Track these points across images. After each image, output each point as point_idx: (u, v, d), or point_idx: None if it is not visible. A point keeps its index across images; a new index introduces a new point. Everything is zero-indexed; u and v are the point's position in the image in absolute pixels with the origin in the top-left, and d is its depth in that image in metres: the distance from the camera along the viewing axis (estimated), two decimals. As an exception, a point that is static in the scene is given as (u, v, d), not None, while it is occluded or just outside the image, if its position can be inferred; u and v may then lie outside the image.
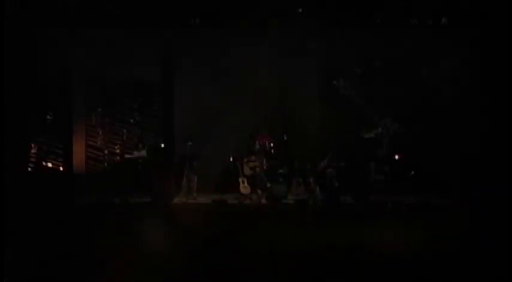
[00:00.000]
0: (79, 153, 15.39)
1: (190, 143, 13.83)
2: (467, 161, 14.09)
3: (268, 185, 13.28)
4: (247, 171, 13.58)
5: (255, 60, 14.85)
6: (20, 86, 14.23)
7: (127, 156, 14.75)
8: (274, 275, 6.16)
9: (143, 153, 14.20)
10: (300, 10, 14.15)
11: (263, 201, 12.97)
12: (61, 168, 15.18)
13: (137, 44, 14.75)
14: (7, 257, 6.63)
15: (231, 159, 14.00)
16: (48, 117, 15.53)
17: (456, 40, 14.91)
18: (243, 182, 13.31)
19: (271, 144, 14.07)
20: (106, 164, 15.58)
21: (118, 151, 15.68)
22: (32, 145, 15.34)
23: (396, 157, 13.90)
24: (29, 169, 15.16)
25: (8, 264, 6.38)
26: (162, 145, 14.76)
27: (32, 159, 15.35)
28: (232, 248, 7.18)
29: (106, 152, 15.73)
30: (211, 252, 6.97)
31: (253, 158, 13.76)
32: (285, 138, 13.89)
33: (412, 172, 13.44)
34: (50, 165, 15.45)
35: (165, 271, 6.33)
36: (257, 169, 13.58)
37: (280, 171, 13.64)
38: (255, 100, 14.68)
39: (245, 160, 13.78)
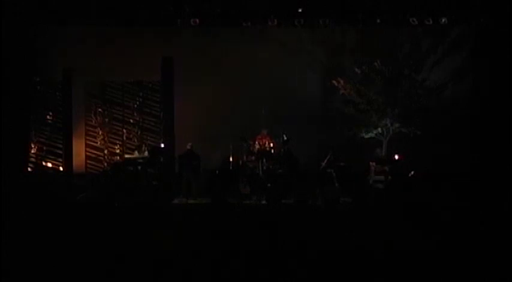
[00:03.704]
0: (79, 153, 15.40)
1: (190, 143, 13.83)
2: (468, 160, 14.12)
3: (268, 185, 13.27)
4: (247, 170, 13.57)
5: (255, 60, 14.87)
6: (19, 85, 14.25)
7: (127, 156, 14.74)
8: (274, 275, 6.16)
9: (145, 154, 14.19)
10: (300, 10, 14.14)
11: (263, 201, 12.96)
12: (61, 168, 15.19)
13: (137, 43, 14.78)
14: (7, 257, 6.63)
15: (231, 159, 13.99)
16: (48, 117, 15.55)
17: (456, 39, 14.97)
18: (243, 182, 13.30)
19: (271, 144, 14.05)
20: (106, 164, 15.59)
21: (118, 151, 15.70)
22: (32, 145, 15.37)
23: (396, 157, 13.88)
24: (29, 169, 15.18)
25: (8, 264, 6.38)
26: (162, 145, 14.75)
27: (32, 159, 15.37)
28: (232, 248, 7.18)
29: (106, 152, 15.74)
30: (211, 252, 6.97)
31: (253, 158, 13.76)
32: (285, 138, 13.85)
33: (412, 172, 13.42)
34: (50, 165, 15.48)
35: (164, 271, 6.33)
36: (257, 169, 13.58)
37: (280, 171, 13.62)
38: (255, 100, 14.68)
39: (245, 160, 13.78)
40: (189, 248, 7.25)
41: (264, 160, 13.72)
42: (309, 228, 8.85)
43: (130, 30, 14.64)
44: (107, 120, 15.70)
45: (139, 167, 13.80)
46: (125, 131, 15.73)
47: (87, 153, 15.67)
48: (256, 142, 13.98)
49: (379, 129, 14.53)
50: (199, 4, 14.00)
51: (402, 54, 14.79)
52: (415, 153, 13.76)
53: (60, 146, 15.22)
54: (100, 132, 15.70)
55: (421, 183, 12.93)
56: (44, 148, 15.49)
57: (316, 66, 15.29)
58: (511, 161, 13.10)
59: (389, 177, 13.35)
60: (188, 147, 13.63)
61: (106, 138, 15.72)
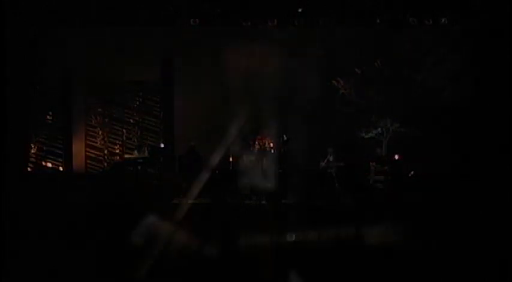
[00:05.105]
0: (79, 153, 15.42)
1: (192, 143, 13.83)
2: (467, 160, 14.12)
3: (268, 184, 13.27)
4: (247, 171, 13.57)
5: (255, 60, 14.86)
6: (20, 86, 14.27)
7: (127, 156, 14.75)
8: (274, 275, 6.16)
9: (145, 154, 14.20)
10: (300, 10, 14.14)
11: (263, 201, 12.96)
12: (61, 168, 15.20)
13: (137, 43, 14.79)
14: (7, 258, 6.63)
15: (231, 159, 14.00)
16: (48, 117, 15.56)
17: (456, 39, 14.96)
18: (243, 181, 13.30)
19: (271, 144, 14.06)
20: (106, 164, 15.60)
21: (118, 151, 15.71)
22: (32, 145, 15.37)
23: (396, 157, 13.89)
24: (29, 169, 15.19)
25: (8, 264, 6.38)
26: (162, 145, 14.76)
27: (32, 159, 15.38)
28: (232, 248, 7.19)
29: (106, 152, 15.75)
30: (211, 252, 6.97)
31: (253, 157, 13.76)
32: (285, 138, 13.86)
33: (412, 172, 13.43)
34: (50, 165, 15.48)
35: (163, 271, 6.33)
36: (257, 169, 13.58)
37: (280, 171, 13.63)
38: (255, 100, 14.68)
39: (245, 160, 13.78)
40: (188, 248, 7.24)
41: (264, 160, 13.73)
42: (309, 228, 8.84)
43: (131, 30, 14.65)
44: (106, 120, 15.72)
45: (139, 167, 13.82)
46: (124, 131, 15.75)
47: (87, 153, 15.68)
48: (256, 142, 13.99)
49: (379, 129, 14.54)
50: (199, 4, 14.01)
51: (402, 54, 14.79)
52: (415, 153, 13.76)
53: (60, 146, 15.24)
54: (100, 132, 15.71)
55: (421, 183, 12.94)
56: (44, 148, 15.51)
57: (316, 66, 15.27)
58: (511, 161, 13.09)
59: (389, 177, 13.37)
60: (190, 146, 13.65)
61: (106, 138, 15.74)
